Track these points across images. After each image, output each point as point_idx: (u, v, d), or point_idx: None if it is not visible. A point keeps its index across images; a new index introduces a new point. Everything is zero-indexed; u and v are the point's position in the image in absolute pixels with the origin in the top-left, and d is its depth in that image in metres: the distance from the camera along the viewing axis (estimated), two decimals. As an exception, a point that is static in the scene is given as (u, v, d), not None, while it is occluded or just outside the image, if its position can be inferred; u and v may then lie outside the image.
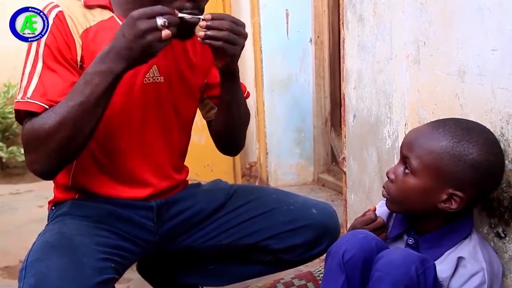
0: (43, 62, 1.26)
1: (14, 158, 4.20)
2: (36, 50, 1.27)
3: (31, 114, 1.24)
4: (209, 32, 1.24)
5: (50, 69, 1.26)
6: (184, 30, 1.27)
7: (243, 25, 1.29)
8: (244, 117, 1.52)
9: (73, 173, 1.40)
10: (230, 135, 1.53)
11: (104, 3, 1.35)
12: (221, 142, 1.56)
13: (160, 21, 1.16)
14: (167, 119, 1.43)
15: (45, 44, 1.26)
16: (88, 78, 1.19)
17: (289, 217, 1.50)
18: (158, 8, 1.18)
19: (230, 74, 1.38)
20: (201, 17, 1.25)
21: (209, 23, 1.24)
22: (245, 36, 1.29)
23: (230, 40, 1.25)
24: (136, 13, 1.16)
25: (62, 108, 1.20)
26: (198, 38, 1.26)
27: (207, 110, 1.57)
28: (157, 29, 1.16)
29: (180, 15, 1.22)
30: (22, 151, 4.07)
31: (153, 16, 1.16)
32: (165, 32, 1.17)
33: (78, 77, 1.28)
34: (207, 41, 1.25)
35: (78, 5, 1.33)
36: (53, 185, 1.46)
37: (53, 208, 1.44)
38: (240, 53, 1.31)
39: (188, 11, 1.26)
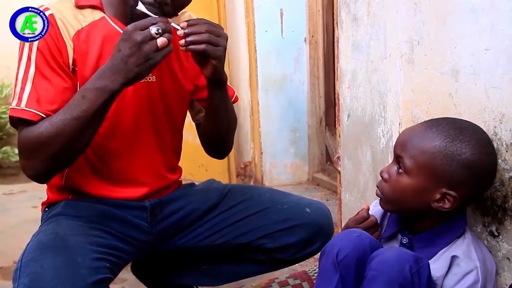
0: (36, 67, 1.26)
1: (8, 159, 4.18)
2: (28, 55, 1.26)
3: (26, 122, 1.24)
4: (189, 38, 1.23)
5: (42, 75, 1.26)
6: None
7: (220, 27, 1.28)
8: (231, 121, 1.51)
9: (66, 173, 1.39)
10: (218, 139, 1.53)
11: (95, 3, 1.34)
12: (209, 145, 1.56)
13: (153, 29, 1.17)
14: (158, 118, 1.43)
15: (37, 49, 1.26)
16: (85, 94, 1.19)
17: (282, 216, 1.50)
18: (150, 18, 1.20)
19: (218, 83, 1.37)
20: (178, 27, 1.24)
21: (186, 30, 1.23)
22: (225, 37, 1.28)
23: (212, 42, 1.24)
24: (129, 26, 1.18)
25: (58, 120, 1.20)
26: (181, 47, 1.24)
27: (195, 112, 1.57)
28: (152, 38, 1.17)
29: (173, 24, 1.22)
30: (16, 151, 4.07)
31: (146, 27, 1.17)
32: (161, 40, 1.17)
33: (70, 82, 1.28)
34: (190, 47, 1.23)
35: (69, 6, 1.32)
36: (46, 186, 1.45)
37: (47, 209, 1.44)
38: (225, 56, 1.29)
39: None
